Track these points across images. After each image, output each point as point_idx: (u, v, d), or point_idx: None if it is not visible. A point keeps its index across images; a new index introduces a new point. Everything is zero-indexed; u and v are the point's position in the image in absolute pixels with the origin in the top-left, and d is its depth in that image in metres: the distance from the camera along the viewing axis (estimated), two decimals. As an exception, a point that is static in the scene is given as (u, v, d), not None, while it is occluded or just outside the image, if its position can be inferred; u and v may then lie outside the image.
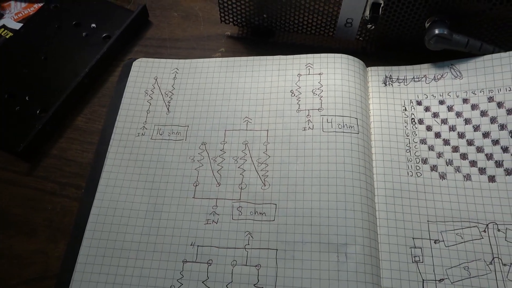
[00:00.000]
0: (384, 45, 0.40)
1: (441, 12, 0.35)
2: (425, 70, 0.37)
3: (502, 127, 0.33)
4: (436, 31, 0.34)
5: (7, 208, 0.34)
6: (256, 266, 0.29)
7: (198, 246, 0.31)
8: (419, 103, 0.36)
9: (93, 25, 0.42)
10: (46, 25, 0.43)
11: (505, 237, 0.30)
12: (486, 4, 0.34)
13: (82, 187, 0.34)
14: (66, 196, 0.34)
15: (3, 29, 0.44)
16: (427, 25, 0.36)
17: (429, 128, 0.35)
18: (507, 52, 0.34)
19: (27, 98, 0.38)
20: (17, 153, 0.35)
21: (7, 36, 0.43)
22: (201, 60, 0.39)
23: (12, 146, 0.35)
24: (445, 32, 0.34)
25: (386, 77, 0.37)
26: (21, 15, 0.46)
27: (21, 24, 0.44)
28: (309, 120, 0.34)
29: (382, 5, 0.35)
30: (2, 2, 0.46)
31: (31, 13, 0.46)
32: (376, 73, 0.38)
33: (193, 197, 0.33)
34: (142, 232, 0.31)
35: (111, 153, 0.35)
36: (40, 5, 0.46)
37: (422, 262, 0.29)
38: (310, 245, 0.29)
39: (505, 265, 0.29)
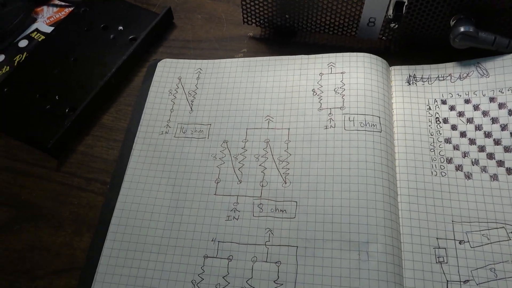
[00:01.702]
0: (408, 44, 0.40)
1: (466, 9, 0.34)
2: (450, 69, 0.36)
3: (531, 126, 0.32)
4: (462, 29, 0.34)
5: (38, 202, 0.35)
6: (276, 262, 0.29)
7: (219, 242, 0.31)
8: (444, 102, 0.35)
9: (120, 27, 0.44)
10: (76, 28, 0.44)
11: (535, 239, 0.29)
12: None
13: (107, 182, 0.35)
14: (91, 191, 0.35)
15: (36, 32, 0.46)
16: (452, 23, 0.35)
17: (454, 127, 0.34)
18: (537, 50, 0.33)
19: (57, 97, 0.39)
20: (47, 150, 0.36)
21: (40, 39, 0.45)
22: (224, 60, 0.40)
23: (42, 143, 0.36)
24: (471, 30, 0.33)
25: (410, 76, 0.37)
26: (53, 19, 0.48)
27: (52, 28, 0.46)
28: (331, 118, 0.34)
29: (406, 4, 0.35)
30: (36, 7, 0.48)
31: (62, 17, 0.48)
32: (399, 72, 0.37)
33: (215, 194, 0.33)
34: (164, 227, 0.32)
35: (135, 150, 0.36)
36: (71, 9, 0.48)
37: (446, 262, 0.28)
38: (331, 242, 0.29)
39: (534, 267, 0.28)
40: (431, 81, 0.36)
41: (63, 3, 0.49)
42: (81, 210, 0.34)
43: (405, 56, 0.39)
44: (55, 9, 0.49)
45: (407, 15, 0.36)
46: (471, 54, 0.36)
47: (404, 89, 0.36)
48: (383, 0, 0.35)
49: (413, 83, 0.37)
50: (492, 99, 0.34)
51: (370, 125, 0.33)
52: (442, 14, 0.35)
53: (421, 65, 0.37)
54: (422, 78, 0.37)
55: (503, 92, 0.34)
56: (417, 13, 0.36)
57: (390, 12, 0.36)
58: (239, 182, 0.33)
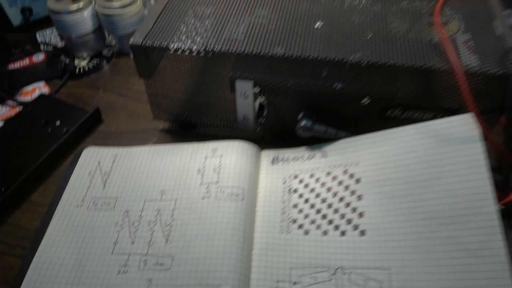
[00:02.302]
0: (276, 133, 0.52)
1: (308, 108, 0.47)
2: (302, 151, 0.48)
3: (353, 192, 0.43)
4: (302, 123, 0.46)
5: (-34, 266, 0.42)
6: (150, 305, 0.37)
7: (108, 291, 0.39)
8: (296, 177, 0.46)
9: (58, 122, 0.55)
10: (22, 123, 0.55)
11: (348, 279, 0.38)
12: (341, 104, 0.46)
13: (27, 248, 0.43)
14: (13, 255, 0.43)
15: (-12, 127, 0.57)
16: (299, 118, 0.48)
17: (301, 196, 0.44)
18: (356, 136, 0.46)
19: (-4, 179, 0.49)
20: (-20, 222, 0.44)
21: (-10, 133, 0.56)
22: (135, 147, 0.51)
23: (-23, 216, 0.45)
24: (308, 124, 0.46)
25: (274, 157, 0.48)
26: (5, 116, 0.59)
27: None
28: (208, 190, 0.45)
29: (265, 105, 0.48)
30: (-9, 107, 0.60)
31: (12, 115, 0.59)
32: (267, 155, 0.49)
33: (111, 253, 0.41)
34: (67, 282, 0.40)
35: (53, 221, 0.45)
36: (20, 108, 0.59)
37: (280, 299, 0.37)
38: (193, 287, 0.38)
39: (343, 300, 0.36)
40: (288, 161, 0.48)
41: (15, 103, 0.60)
42: (1, 271, 0.42)
43: (275, 142, 0.51)
44: (8, 108, 0.60)
45: (268, 113, 0.49)
46: (320, 140, 0.48)
47: (268, 168, 0.47)
48: (248, 103, 0.48)
49: (276, 163, 0.48)
50: (328, 173, 0.45)
51: (235, 195, 0.44)
52: (292, 111, 0.48)
53: (283, 149, 0.49)
54: (282, 159, 0.48)
55: (336, 169, 0.45)
56: (275, 112, 0.48)
57: (255, 111, 0.49)
58: (132, 243, 0.42)
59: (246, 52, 0.43)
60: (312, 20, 0.46)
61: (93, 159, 0.51)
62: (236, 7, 0.49)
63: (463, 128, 0.39)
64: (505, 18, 0.44)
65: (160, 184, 0.47)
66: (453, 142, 0.39)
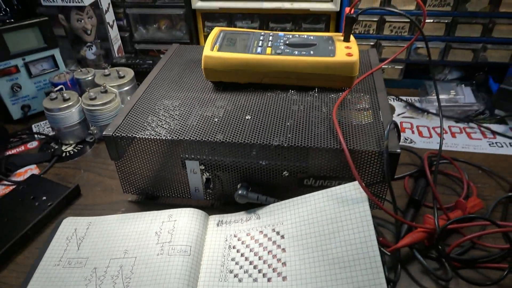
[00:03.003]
0: (223, 201, 0.64)
1: (244, 180, 0.60)
2: (241, 215, 0.60)
3: (278, 246, 0.53)
4: (238, 192, 0.58)
5: (-44, 318, 0.51)
6: None
7: (74, 333, 0.47)
8: (235, 235, 0.57)
9: (44, 197, 0.66)
10: (14, 199, 0.66)
11: (268, 315, 0.47)
12: (268, 176, 0.59)
13: (10, 301, 0.52)
14: (-3, 307, 0.52)
15: (-16, 203, 0.67)
16: (238, 188, 0.60)
17: (238, 251, 0.55)
18: (281, 201, 0.58)
19: (-12, 245, 0.59)
20: (-28, 280, 0.53)
21: (-14, 207, 0.67)
22: (106, 216, 0.62)
23: (-30, 276, 0.54)
24: (244, 193, 0.58)
25: (219, 221, 0.60)
26: (1, 193, 0.70)
27: (-3, 199, 0.68)
28: (161, 248, 0.55)
29: (210, 179, 0.60)
30: (-11, 186, 0.71)
31: (7, 192, 0.70)
32: (213, 219, 0.60)
33: (79, 302, 0.51)
34: (41, 327, 0.48)
35: (34, 277, 0.54)
36: (14, 186, 0.71)
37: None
38: (143, 325, 0.47)
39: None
40: (230, 223, 0.59)
41: (9, 183, 0.72)
42: (-14, 320, 0.50)
43: (222, 208, 0.63)
44: (3, 187, 0.72)
45: (215, 185, 0.61)
46: (256, 205, 0.60)
47: (214, 229, 0.59)
48: (197, 178, 0.60)
49: (220, 225, 0.59)
50: (260, 232, 0.56)
51: (184, 251, 0.54)
52: (233, 183, 0.60)
53: (227, 214, 0.60)
54: (225, 222, 0.59)
55: (266, 228, 0.56)
56: (219, 184, 0.61)
57: (203, 183, 0.61)
58: (97, 293, 0.51)
59: (193, 139, 0.56)
60: (244, 113, 0.61)
61: (71, 227, 0.61)
62: (200, 100, 0.64)
63: (354, 192, 0.52)
64: (388, 110, 0.59)
65: (124, 245, 0.57)
66: (348, 203, 0.52)
